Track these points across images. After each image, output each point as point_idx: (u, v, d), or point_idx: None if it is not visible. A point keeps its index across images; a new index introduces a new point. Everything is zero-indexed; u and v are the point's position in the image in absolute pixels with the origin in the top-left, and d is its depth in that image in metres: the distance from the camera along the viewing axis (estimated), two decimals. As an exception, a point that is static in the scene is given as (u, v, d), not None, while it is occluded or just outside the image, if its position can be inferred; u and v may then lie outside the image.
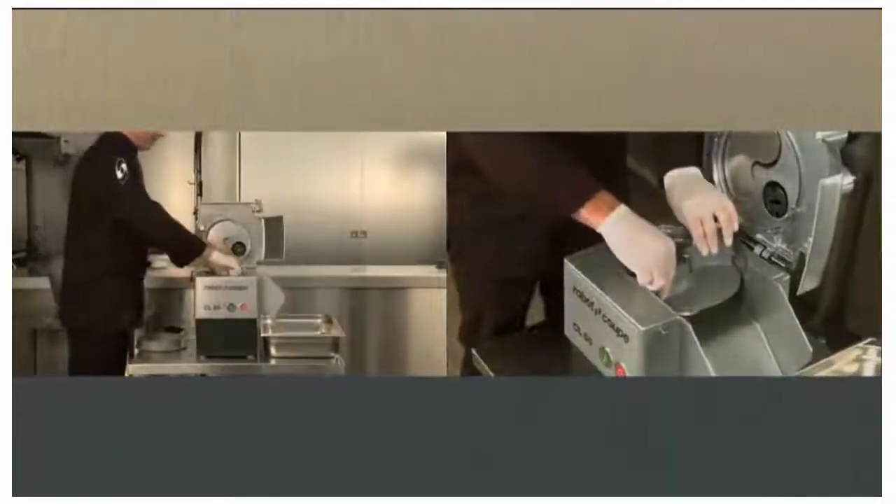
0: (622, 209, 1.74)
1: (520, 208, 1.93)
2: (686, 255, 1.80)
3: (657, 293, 1.73)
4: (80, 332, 2.95)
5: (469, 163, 1.97)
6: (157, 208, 2.96)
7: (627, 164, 2.18)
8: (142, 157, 3.01)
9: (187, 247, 3.00)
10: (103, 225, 2.90)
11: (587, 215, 1.75)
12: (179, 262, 3.05)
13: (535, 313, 2.40)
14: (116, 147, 2.88)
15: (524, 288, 2.27)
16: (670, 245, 1.74)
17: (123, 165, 2.87)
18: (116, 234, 2.91)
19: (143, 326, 3.30)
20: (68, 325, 2.98)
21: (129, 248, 2.99)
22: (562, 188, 1.78)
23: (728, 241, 1.76)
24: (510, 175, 1.85)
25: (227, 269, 3.00)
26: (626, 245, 1.73)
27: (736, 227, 1.75)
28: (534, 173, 1.80)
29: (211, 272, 3.00)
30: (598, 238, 1.79)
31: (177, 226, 3.01)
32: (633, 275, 1.74)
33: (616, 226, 1.74)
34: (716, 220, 1.75)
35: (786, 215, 1.70)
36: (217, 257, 2.99)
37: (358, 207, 4.50)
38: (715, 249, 1.76)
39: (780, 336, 1.75)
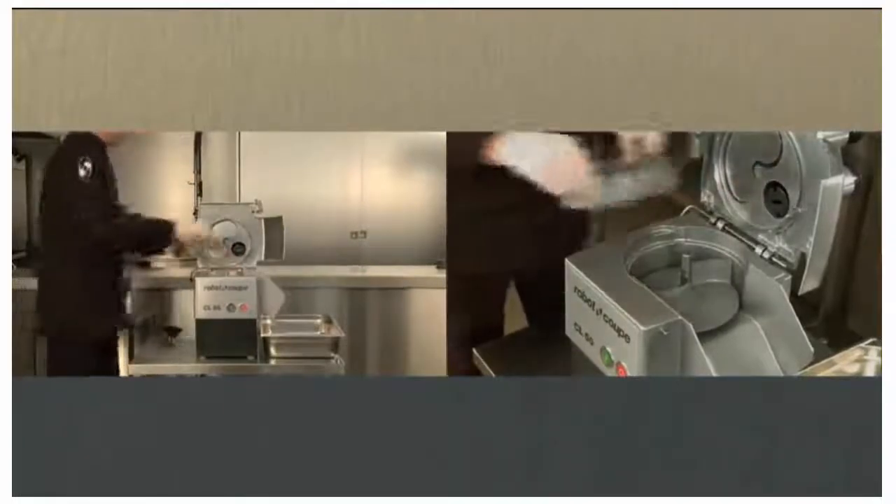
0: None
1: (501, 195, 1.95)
2: (684, 270, 1.80)
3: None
4: (54, 339, 2.91)
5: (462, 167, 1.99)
6: (116, 212, 2.90)
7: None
8: (115, 153, 2.94)
9: (156, 234, 2.95)
10: (70, 227, 2.84)
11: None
12: (155, 251, 3.01)
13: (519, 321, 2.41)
14: (81, 144, 2.77)
15: (498, 288, 2.28)
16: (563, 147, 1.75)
17: (87, 164, 2.74)
18: (83, 237, 2.85)
19: (133, 329, 3.30)
20: (44, 331, 2.95)
21: (100, 251, 2.93)
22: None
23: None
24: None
25: (198, 238, 2.97)
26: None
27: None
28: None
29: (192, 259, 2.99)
30: (572, 240, 1.80)
31: (135, 221, 2.95)
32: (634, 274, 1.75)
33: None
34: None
35: (787, 215, 1.70)
36: (184, 230, 2.95)
37: (358, 207, 4.50)
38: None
39: (782, 336, 1.75)
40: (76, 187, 2.75)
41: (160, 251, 3.03)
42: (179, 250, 2.99)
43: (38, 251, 2.96)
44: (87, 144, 2.77)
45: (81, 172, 2.74)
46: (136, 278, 3.24)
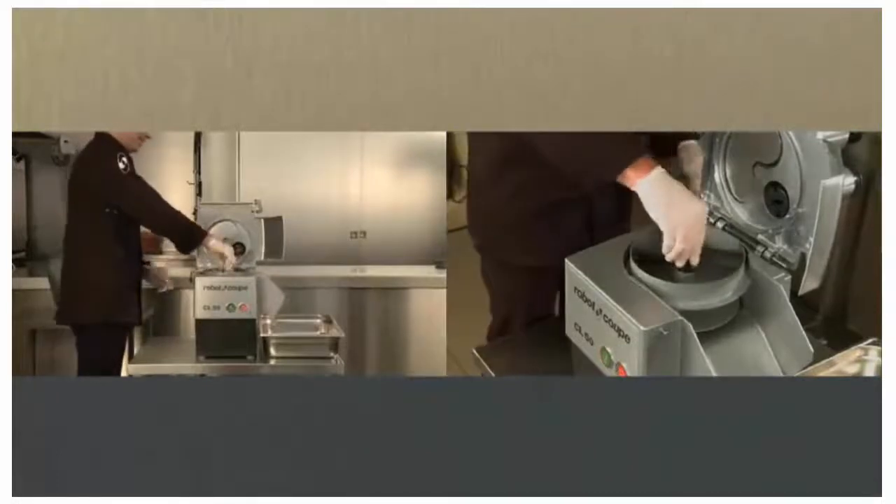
0: (660, 170, 1.74)
1: (562, 188, 1.98)
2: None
3: (686, 267, 1.73)
4: (85, 329, 2.95)
5: (509, 154, 2.00)
6: (158, 197, 2.99)
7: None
8: (134, 157, 3.03)
9: (189, 234, 3.02)
10: (106, 220, 2.91)
11: (629, 176, 1.75)
12: (183, 250, 3.10)
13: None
14: (114, 144, 2.92)
15: (554, 279, 2.28)
16: (701, 209, 1.73)
17: (125, 158, 2.91)
18: (118, 227, 2.92)
19: (142, 325, 3.31)
20: (72, 322, 2.98)
21: (131, 242, 3.00)
22: (607, 150, 1.79)
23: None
24: (556, 141, 1.86)
25: (221, 256, 3.01)
26: (658, 203, 1.73)
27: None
28: (579, 138, 1.83)
29: (207, 271, 3.01)
30: (623, 229, 1.78)
31: (177, 214, 3.04)
32: (631, 269, 1.74)
33: (652, 184, 1.73)
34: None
35: (787, 216, 1.70)
36: (214, 244, 3.02)
37: (357, 207, 4.51)
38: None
39: (782, 337, 1.75)
40: (118, 177, 2.89)
41: (183, 249, 3.10)
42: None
43: (69, 240, 3.00)
44: (117, 143, 2.93)
45: (121, 165, 2.87)
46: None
